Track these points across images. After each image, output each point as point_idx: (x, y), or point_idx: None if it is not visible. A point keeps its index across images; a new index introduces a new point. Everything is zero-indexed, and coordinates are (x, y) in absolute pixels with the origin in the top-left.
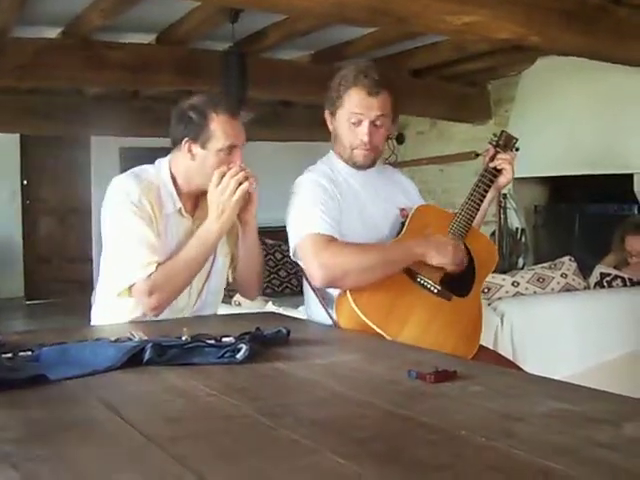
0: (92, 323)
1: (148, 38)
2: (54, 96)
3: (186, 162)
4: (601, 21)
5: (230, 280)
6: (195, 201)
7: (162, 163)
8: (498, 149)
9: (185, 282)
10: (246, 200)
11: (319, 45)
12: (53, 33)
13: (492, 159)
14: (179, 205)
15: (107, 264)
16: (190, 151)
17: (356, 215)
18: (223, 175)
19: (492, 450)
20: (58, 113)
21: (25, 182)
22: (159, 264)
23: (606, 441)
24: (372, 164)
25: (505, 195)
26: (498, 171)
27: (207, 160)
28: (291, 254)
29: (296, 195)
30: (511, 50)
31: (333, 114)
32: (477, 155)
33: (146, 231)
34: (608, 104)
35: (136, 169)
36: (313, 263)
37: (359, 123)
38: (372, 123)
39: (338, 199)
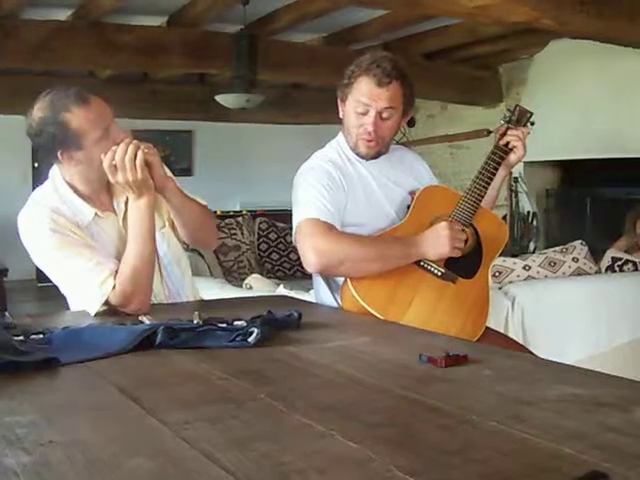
0: None
1: (159, 21)
2: (66, 78)
3: (75, 170)
4: (615, 4)
5: (181, 241)
6: (108, 195)
7: (56, 178)
8: (510, 125)
9: (149, 270)
10: (148, 165)
11: (331, 28)
12: (64, 15)
13: (503, 136)
14: (92, 211)
15: (67, 295)
16: (71, 159)
17: (363, 201)
18: (111, 160)
19: (503, 435)
20: None
21: (36, 165)
22: (115, 273)
23: (617, 426)
24: (377, 155)
25: (516, 179)
26: (509, 148)
27: (92, 155)
28: (293, 240)
29: (300, 181)
30: (523, 33)
31: (343, 100)
32: (489, 132)
33: (81, 253)
34: (620, 88)
35: (36, 196)
36: (308, 248)
37: (365, 113)
38: (379, 114)
39: (344, 187)
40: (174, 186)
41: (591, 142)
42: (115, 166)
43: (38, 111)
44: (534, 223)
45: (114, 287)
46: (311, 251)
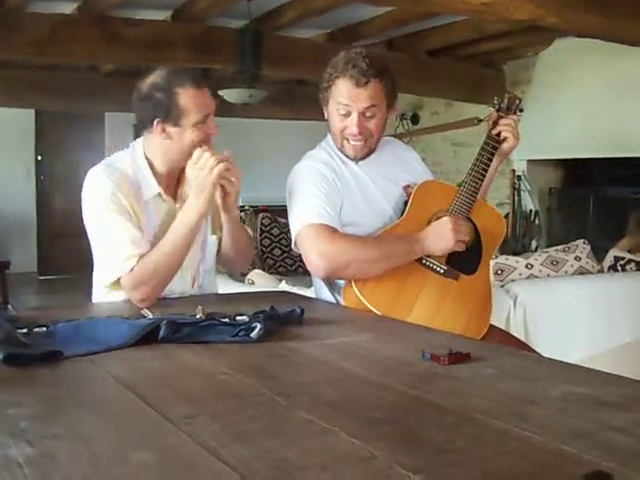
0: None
1: (164, 15)
2: (70, 72)
3: (162, 142)
4: (620, 3)
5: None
6: (177, 182)
7: (136, 148)
8: (500, 113)
9: (171, 270)
10: (228, 187)
11: (335, 24)
12: (69, 9)
13: (495, 124)
14: (158, 190)
15: (95, 258)
16: (164, 131)
17: (359, 200)
18: (201, 155)
19: (506, 433)
20: (73, 89)
21: (39, 158)
22: (142, 256)
23: (620, 425)
24: (366, 155)
25: (519, 177)
26: (502, 138)
27: (184, 136)
28: (292, 245)
29: (295, 185)
30: (528, 31)
31: (325, 104)
32: (479, 121)
33: (125, 225)
34: (625, 87)
35: (111, 158)
36: (313, 253)
37: (348, 114)
38: (361, 114)
39: (338, 187)
40: (237, 215)
41: (595, 141)
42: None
43: (154, 77)
44: (537, 222)
45: (132, 269)
46: (317, 256)
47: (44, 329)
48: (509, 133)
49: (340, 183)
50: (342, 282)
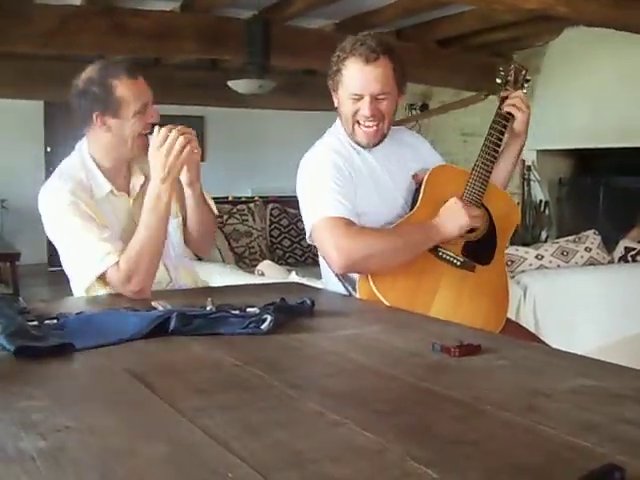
0: None
1: (172, 5)
2: (79, 63)
3: (103, 137)
4: None
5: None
6: (126, 176)
7: (82, 149)
8: (508, 87)
9: (156, 254)
10: (190, 161)
11: (344, 14)
12: (78, 0)
13: (503, 101)
14: (109, 187)
15: (68, 267)
16: (104, 124)
17: (372, 189)
18: (166, 136)
19: (518, 425)
20: None
21: (48, 149)
22: (120, 251)
23: (633, 418)
24: (379, 142)
25: (529, 167)
26: (511, 115)
27: (125, 127)
28: (307, 237)
29: (308, 176)
30: (537, 20)
31: (335, 90)
32: (486, 95)
33: (90, 227)
34: (635, 76)
35: (61, 168)
36: (331, 249)
37: (360, 97)
38: (373, 97)
39: (352, 177)
40: (200, 187)
41: (605, 131)
42: (164, 140)
43: (88, 73)
44: (546, 212)
45: (117, 263)
46: (335, 251)
47: (55, 321)
48: (514, 109)
49: (353, 172)
50: (356, 276)
